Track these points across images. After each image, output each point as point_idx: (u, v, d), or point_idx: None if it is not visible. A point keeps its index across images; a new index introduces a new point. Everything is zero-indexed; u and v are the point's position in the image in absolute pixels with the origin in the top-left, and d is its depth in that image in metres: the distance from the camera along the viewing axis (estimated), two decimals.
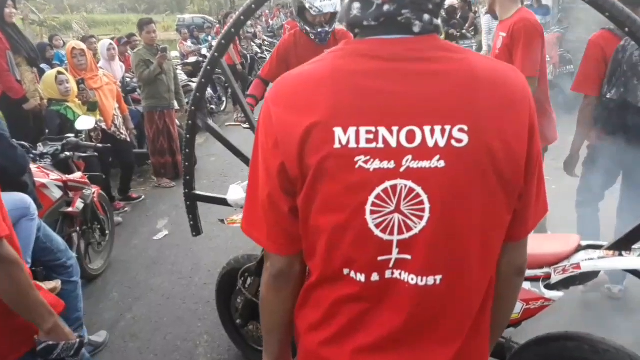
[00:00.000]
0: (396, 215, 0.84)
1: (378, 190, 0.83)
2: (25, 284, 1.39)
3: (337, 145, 0.81)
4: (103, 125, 4.75)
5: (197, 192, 2.25)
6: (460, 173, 0.82)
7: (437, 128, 0.81)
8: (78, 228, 3.32)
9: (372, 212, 0.84)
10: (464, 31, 10.10)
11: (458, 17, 10.61)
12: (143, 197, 5.56)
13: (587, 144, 3.04)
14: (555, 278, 1.76)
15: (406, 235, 0.86)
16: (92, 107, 4.57)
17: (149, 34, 5.52)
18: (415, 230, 0.85)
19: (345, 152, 0.81)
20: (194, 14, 30.43)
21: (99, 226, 3.73)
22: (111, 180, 5.25)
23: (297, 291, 1.00)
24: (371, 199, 0.83)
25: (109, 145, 4.21)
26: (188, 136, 2.07)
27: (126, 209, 5.22)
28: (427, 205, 0.84)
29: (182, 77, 8.01)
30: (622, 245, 1.69)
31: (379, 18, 0.85)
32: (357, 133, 0.81)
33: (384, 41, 0.86)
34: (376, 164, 0.82)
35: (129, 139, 5.22)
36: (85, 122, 3.70)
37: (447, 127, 0.81)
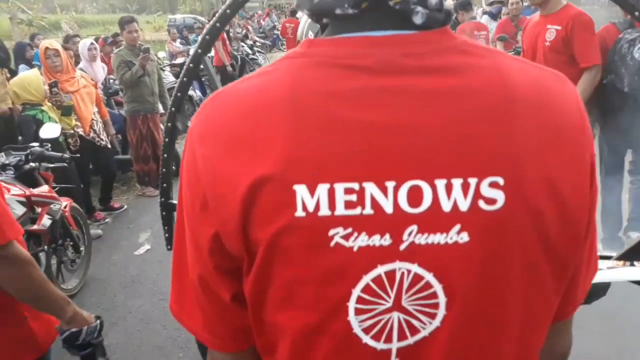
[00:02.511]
0: (395, 315, 0.58)
1: (366, 279, 0.57)
2: (41, 280, 1.39)
3: (299, 213, 0.54)
4: (80, 131, 4.44)
5: (175, 202, 2.01)
6: (492, 250, 0.56)
7: (457, 183, 0.54)
8: (46, 247, 3.00)
9: (359, 312, 0.58)
10: None
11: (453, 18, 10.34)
12: (125, 207, 5.26)
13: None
14: None
15: (410, 341, 0.59)
16: (66, 111, 4.26)
17: (131, 34, 5.20)
18: (424, 333, 0.59)
19: (313, 223, 0.55)
20: (185, 14, 30.13)
21: (71, 243, 3.41)
22: (92, 189, 4.96)
23: None
24: (356, 292, 0.57)
25: (78, 155, 3.89)
26: (166, 140, 1.89)
27: (107, 220, 4.91)
28: (441, 299, 0.58)
29: (170, 78, 7.77)
30: (634, 255, 1.51)
31: (360, 3, 0.56)
32: (332, 193, 0.54)
33: (369, 41, 0.57)
34: (362, 240, 0.55)
35: (109, 145, 4.93)
36: (50, 130, 3.38)
37: (472, 181, 0.54)
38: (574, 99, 0.60)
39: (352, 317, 0.58)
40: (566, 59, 3.19)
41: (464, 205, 0.55)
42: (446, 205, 0.55)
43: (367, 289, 0.57)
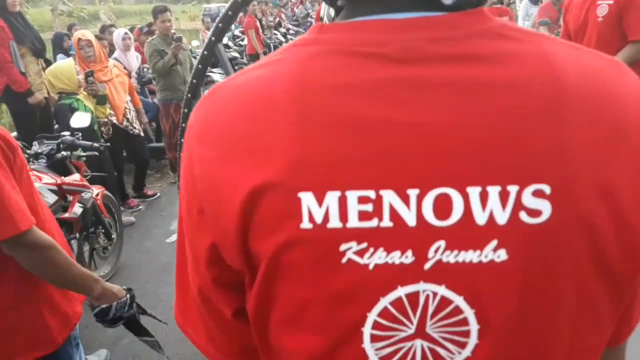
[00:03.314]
0: (418, 343, 0.51)
1: (384, 302, 0.50)
2: (65, 263, 1.41)
3: (305, 224, 0.48)
4: (114, 119, 4.49)
5: None
6: (535, 272, 0.48)
7: (493, 191, 0.47)
8: (78, 234, 3.03)
9: (376, 339, 0.51)
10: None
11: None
12: (158, 194, 5.32)
13: None
14: None
15: None
16: (101, 100, 4.30)
17: (164, 23, 5.22)
18: None
19: (321, 236, 0.48)
20: (220, 3, 30.26)
21: (103, 230, 3.45)
22: (125, 177, 5.03)
23: None
24: (372, 316, 0.50)
25: (108, 143, 3.93)
26: (183, 125, 1.91)
27: (140, 207, 4.98)
28: (473, 326, 0.50)
29: None
30: None
31: None
32: (343, 202, 0.47)
33: (389, 24, 0.50)
34: (379, 258, 0.48)
35: (142, 134, 4.97)
36: (80, 120, 3.41)
37: (512, 189, 0.46)
38: (636, 91, 0.51)
39: (367, 344, 0.51)
40: (620, 34, 3.11)
41: (501, 217, 0.47)
42: (480, 218, 0.47)
43: (385, 313, 0.50)
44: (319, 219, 0.47)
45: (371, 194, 0.47)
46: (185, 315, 0.64)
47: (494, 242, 0.47)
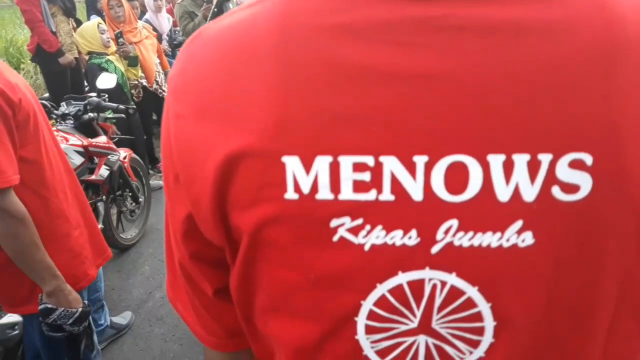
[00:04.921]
0: (422, 339, 0.45)
1: (382, 289, 0.43)
2: (29, 242, 1.34)
3: (290, 195, 0.41)
4: (144, 82, 4.44)
5: None
6: (568, 259, 0.40)
7: (520, 160, 0.38)
8: (104, 197, 3.02)
9: (371, 330, 0.45)
10: None
11: None
12: None
13: None
14: None
15: None
16: (133, 62, 4.25)
17: None
18: None
19: (308, 209, 0.41)
20: None
21: (130, 194, 3.44)
22: (155, 140, 5.01)
23: None
24: (367, 305, 0.44)
25: (134, 106, 3.89)
26: None
27: None
28: (488, 323, 0.43)
29: None
30: None
31: None
32: (335, 169, 0.40)
33: None
34: (377, 237, 0.41)
35: None
36: (106, 81, 3.36)
37: (545, 158, 0.38)
38: None
39: (361, 335, 0.45)
40: None
41: (529, 193, 0.38)
42: (503, 193, 0.39)
43: (382, 302, 0.43)
44: (306, 189, 0.41)
45: (369, 160, 0.39)
46: (175, 291, 0.59)
47: (519, 223, 0.39)
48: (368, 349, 0.46)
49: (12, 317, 1.80)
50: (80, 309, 1.48)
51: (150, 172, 4.64)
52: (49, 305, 1.44)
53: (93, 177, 2.82)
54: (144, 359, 2.56)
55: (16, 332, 1.80)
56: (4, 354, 1.60)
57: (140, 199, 3.58)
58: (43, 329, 1.48)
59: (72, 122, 2.89)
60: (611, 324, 0.43)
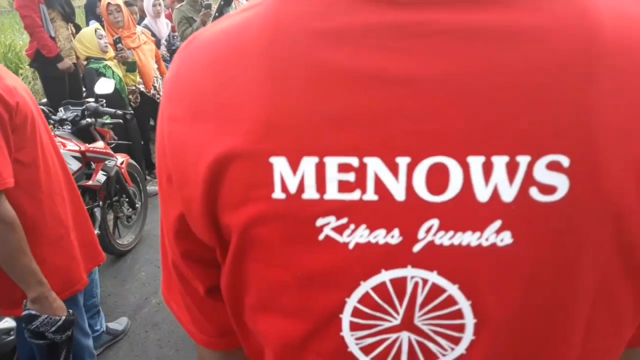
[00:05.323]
0: (405, 335, 0.46)
1: (365, 287, 0.44)
2: (16, 247, 1.34)
3: (277, 194, 0.43)
4: (142, 87, 4.45)
5: None
6: (545, 258, 0.41)
7: (499, 162, 0.40)
8: (101, 202, 3.03)
9: (356, 327, 0.46)
10: None
11: None
12: None
13: None
14: None
15: None
16: (131, 67, 4.26)
17: None
18: None
19: (295, 209, 0.43)
20: None
21: (127, 199, 3.45)
22: (152, 146, 5.02)
23: None
24: (352, 302, 0.45)
25: (132, 111, 3.90)
26: None
27: None
28: (469, 320, 0.44)
29: None
30: None
31: None
32: (320, 169, 0.42)
33: None
34: (361, 236, 0.43)
35: None
36: (104, 86, 3.37)
37: (523, 160, 0.39)
38: None
39: (346, 332, 0.46)
40: None
41: (508, 193, 0.40)
42: (482, 193, 0.40)
43: (365, 300, 0.44)
44: (292, 189, 0.42)
45: (354, 161, 0.41)
46: (170, 291, 0.61)
47: (497, 223, 0.41)
48: (353, 346, 0.47)
49: (7, 323, 1.80)
50: (63, 317, 1.47)
51: (148, 177, 4.64)
52: (33, 312, 1.43)
53: (90, 182, 2.82)
54: None
55: (11, 337, 1.80)
56: None
57: (137, 205, 3.58)
58: (25, 335, 1.47)
59: (69, 127, 2.90)
60: (588, 323, 0.44)
